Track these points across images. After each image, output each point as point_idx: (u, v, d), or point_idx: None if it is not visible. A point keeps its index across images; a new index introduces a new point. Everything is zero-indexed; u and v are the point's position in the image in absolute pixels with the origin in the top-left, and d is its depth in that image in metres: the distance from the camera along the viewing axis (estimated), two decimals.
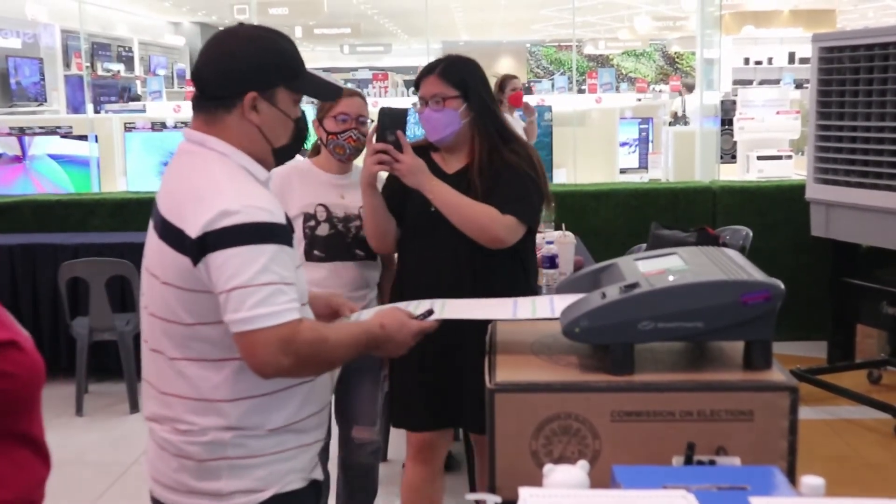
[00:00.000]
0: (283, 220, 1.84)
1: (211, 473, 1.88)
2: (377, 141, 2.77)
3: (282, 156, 2.01)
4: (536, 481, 1.52)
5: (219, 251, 1.75)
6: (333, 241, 3.30)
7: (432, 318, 2.04)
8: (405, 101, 9.47)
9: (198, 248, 1.77)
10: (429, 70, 2.95)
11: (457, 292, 2.62)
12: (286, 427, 1.93)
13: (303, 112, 2.03)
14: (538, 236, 4.00)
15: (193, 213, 1.78)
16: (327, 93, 2.10)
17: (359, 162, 3.28)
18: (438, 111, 2.92)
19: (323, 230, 3.28)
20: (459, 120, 2.93)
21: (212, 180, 1.83)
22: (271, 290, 1.75)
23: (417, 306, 2.09)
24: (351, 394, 3.41)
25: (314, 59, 25.70)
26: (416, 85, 2.99)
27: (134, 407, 5.35)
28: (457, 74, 2.94)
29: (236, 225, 1.76)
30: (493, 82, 8.01)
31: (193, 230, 1.77)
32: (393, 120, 2.77)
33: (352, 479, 3.54)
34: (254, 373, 1.80)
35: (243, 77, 1.90)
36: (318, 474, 2.05)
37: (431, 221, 2.90)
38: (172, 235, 1.82)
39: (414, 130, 4.31)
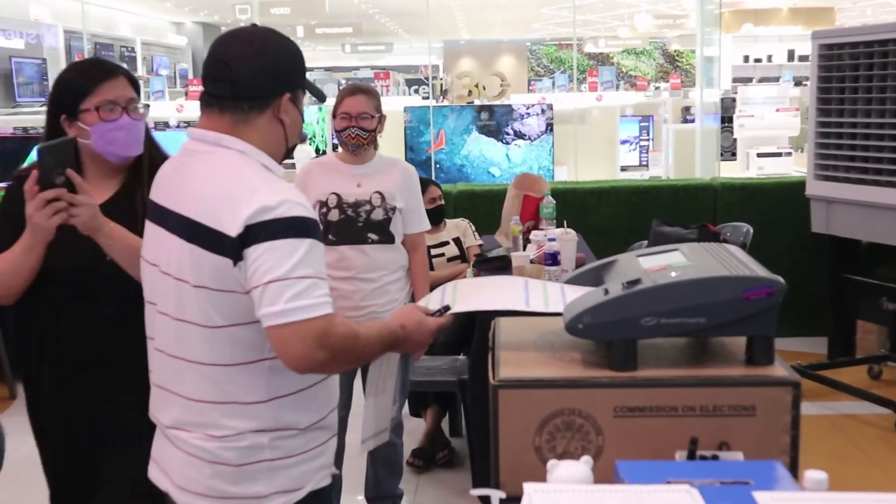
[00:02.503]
0: (315, 217, 1.85)
1: (248, 477, 1.87)
2: (42, 188, 2.15)
3: (288, 154, 2.03)
4: (540, 477, 1.52)
5: (256, 244, 1.75)
6: (344, 225, 3.52)
7: (449, 312, 2.02)
8: (407, 100, 9.46)
9: (239, 245, 1.76)
10: (111, 72, 2.41)
11: (108, 365, 2.38)
12: (315, 424, 1.94)
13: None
14: (541, 233, 4.03)
15: (232, 213, 1.77)
16: (319, 94, 2.14)
17: (383, 151, 3.70)
18: (139, 119, 2.43)
19: (334, 216, 3.52)
20: None
21: (244, 179, 1.83)
22: (308, 284, 1.75)
23: (428, 300, 2.10)
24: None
25: (316, 58, 25.69)
26: (90, 87, 2.36)
27: None
28: (134, 79, 2.47)
29: (275, 219, 1.76)
30: (494, 82, 8.08)
31: (234, 229, 1.76)
32: (57, 157, 2.18)
33: (377, 456, 3.65)
34: (287, 367, 1.79)
35: (282, 78, 1.92)
36: (336, 468, 2.07)
37: (94, 277, 2.37)
38: (207, 237, 1.80)
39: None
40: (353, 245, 3.51)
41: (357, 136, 3.50)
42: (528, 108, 7.84)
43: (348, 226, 3.52)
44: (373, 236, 3.53)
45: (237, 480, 1.87)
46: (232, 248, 1.77)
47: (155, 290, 1.95)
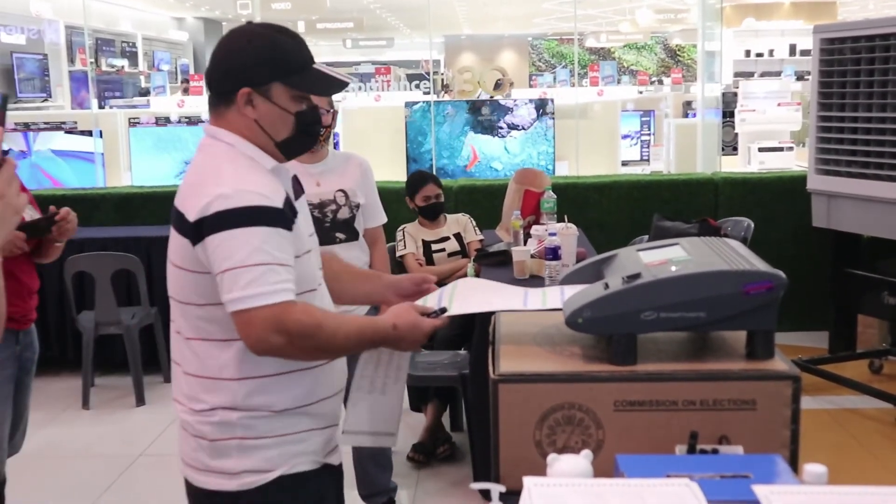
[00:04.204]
0: (279, 205, 1.90)
1: (222, 452, 1.96)
2: None
3: (288, 148, 2.04)
4: (540, 471, 1.53)
5: (214, 234, 1.84)
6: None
7: (445, 315, 2.01)
8: (408, 95, 9.43)
9: (195, 231, 1.87)
10: None
11: None
12: (296, 409, 1.98)
13: (310, 107, 2.03)
14: (541, 228, 4.03)
15: (193, 199, 1.88)
16: (323, 88, 2.17)
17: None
18: None
19: None
20: None
21: (214, 168, 1.93)
22: (263, 271, 1.82)
23: (426, 299, 2.10)
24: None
25: (317, 53, 25.22)
26: None
27: (140, 400, 5.38)
28: None
29: (229, 209, 1.84)
30: (495, 76, 8.08)
31: (192, 214, 1.87)
32: None
33: (363, 453, 3.65)
34: (249, 350, 1.86)
35: (236, 73, 1.97)
36: (334, 459, 2.08)
37: None
38: (178, 220, 1.93)
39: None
40: (321, 246, 3.46)
41: None
42: (514, 101, 7.89)
43: (317, 227, 3.46)
44: (340, 235, 3.54)
45: (213, 454, 1.97)
46: (190, 230, 1.88)
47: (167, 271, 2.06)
